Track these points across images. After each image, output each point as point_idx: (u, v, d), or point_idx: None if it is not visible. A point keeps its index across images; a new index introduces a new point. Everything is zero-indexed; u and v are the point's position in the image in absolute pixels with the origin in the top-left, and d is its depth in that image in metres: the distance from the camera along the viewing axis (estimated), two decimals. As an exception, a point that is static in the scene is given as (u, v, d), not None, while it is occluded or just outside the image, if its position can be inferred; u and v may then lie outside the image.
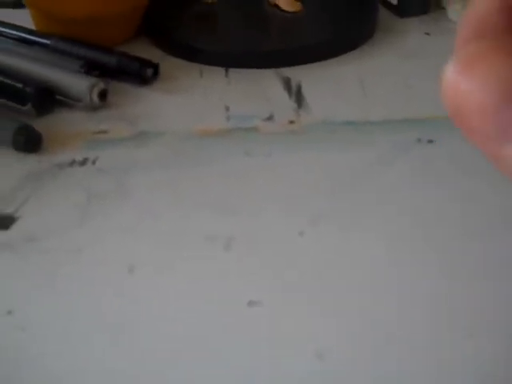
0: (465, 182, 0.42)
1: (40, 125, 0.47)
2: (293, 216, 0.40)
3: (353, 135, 0.46)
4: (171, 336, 0.34)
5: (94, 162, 0.45)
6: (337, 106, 0.49)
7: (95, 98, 0.49)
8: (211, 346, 0.33)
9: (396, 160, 0.44)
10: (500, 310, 0.34)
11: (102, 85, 0.49)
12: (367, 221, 0.40)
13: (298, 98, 0.50)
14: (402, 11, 0.61)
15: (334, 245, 0.38)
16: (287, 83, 0.52)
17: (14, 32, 0.56)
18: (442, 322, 0.34)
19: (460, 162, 0.43)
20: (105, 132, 0.48)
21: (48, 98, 0.49)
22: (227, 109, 0.49)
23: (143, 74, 0.52)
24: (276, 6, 0.60)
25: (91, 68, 0.52)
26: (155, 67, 0.53)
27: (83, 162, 0.45)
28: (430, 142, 0.45)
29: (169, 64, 0.54)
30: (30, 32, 0.56)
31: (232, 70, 0.54)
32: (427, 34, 0.58)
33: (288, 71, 0.53)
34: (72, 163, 0.45)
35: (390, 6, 0.61)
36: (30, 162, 0.45)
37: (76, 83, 0.49)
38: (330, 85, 0.52)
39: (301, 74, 0.53)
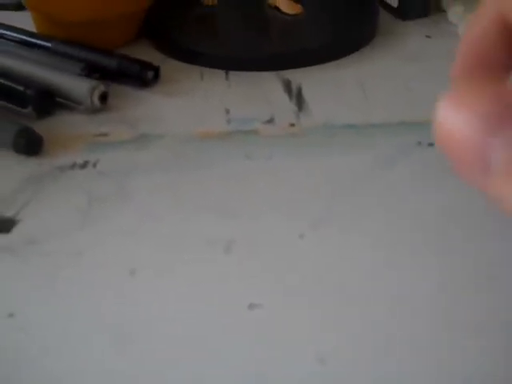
0: (465, 186, 0.42)
1: (41, 127, 0.47)
2: (293, 219, 0.40)
3: (353, 138, 0.46)
4: (172, 339, 0.34)
5: (94, 165, 0.45)
6: (337, 108, 0.49)
7: (96, 100, 0.49)
8: (212, 349, 0.33)
9: (396, 163, 0.44)
10: (500, 310, 0.34)
11: (102, 87, 0.49)
12: (368, 224, 0.40)
13: (299, 100, 0.50)
14: (402, 14, 0.61)
15: (334, 248, 0.38)
16: (288, 86, 0.52)
17: (15, 34, 0.56)
18: (441, 324, 0.34)
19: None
20: (105, 135, 0.48)
21: (49, 101, 0.49)
22: (228, 111, 0.49)
23: (144, 77, 0.52)
24: (276, 8, 0.60)
25: (92, 71, 0.52)
26: (156, 70, 0.53)
27: (84, 165, 0.45)
28: (431, 145, 0.45)
29: (169, 67, 0.54)
30: (31, 35, 0.56)
31: (232, 73, 0.54)
32: (428, 36, 0.58)
33: (288, 74, 0.53)
34: (73, 166, 0.45)
35: (390, 9, 0.61)
36: (31, 164, 0.45)
37: (77, 86, 0.49)
38: (331, 88, 0.52)
39: (301, 77, 0.53)
